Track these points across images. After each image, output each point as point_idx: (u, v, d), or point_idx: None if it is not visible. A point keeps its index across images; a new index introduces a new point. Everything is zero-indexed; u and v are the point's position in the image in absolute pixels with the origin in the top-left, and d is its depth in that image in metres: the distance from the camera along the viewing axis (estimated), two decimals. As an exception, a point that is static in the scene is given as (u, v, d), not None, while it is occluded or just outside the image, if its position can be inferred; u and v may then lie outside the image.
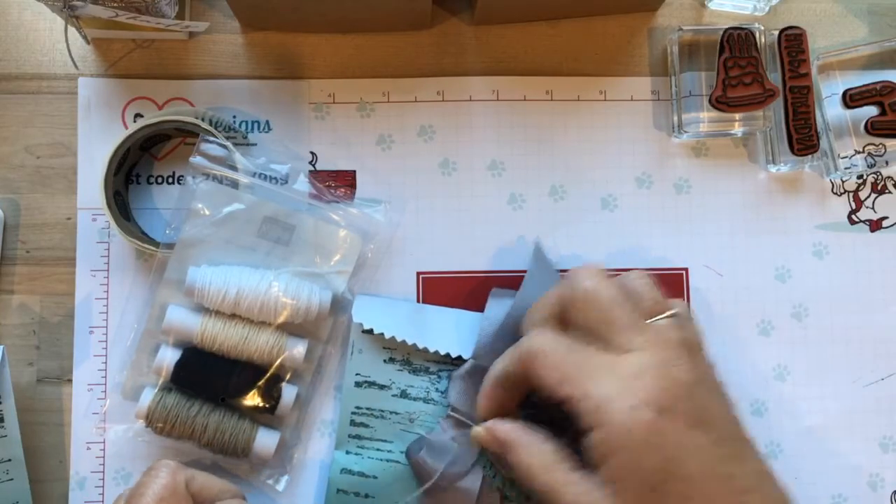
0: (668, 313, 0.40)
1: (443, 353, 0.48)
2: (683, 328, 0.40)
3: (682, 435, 0.36)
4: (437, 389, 0.48)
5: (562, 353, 0.39)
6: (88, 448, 0.49)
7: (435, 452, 0.46)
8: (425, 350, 0.48)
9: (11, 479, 0.47)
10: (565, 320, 0.41)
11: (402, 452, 0.47)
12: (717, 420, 0.37)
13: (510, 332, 0.46)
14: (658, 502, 0.35)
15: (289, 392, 0.47)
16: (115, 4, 0.45)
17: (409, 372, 0.48)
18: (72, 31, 0.48)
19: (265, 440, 0.47)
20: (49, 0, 0.44)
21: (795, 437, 0.50)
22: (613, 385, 0.37)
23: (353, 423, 0.48)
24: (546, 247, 0.50)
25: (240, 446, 0.46)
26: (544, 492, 0.38)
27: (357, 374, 0.48)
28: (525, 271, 0.48)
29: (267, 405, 0.47)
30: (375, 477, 0.47)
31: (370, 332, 0.48)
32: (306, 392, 0.49)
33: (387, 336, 0.47)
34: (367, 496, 0.47)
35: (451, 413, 0.47)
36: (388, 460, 0.48)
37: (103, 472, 0.49)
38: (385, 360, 0.48)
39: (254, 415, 0.48)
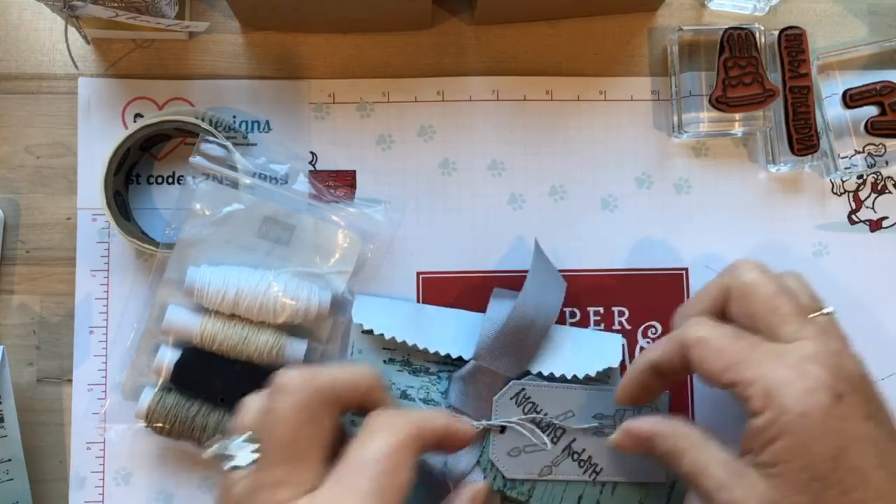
0: (826, 310, 0.40)
1: (443, 353, 0.47)
2: (840, 326, 0.40)
3: (858, 425, 0.35)
4: (437, 390, 0.48)
5: (726, 340, 0.38)
6: (88, 448, 0.49)
7: (437, 456, 0.46)
8: (425, 351, 0.47)
9: (11, 479, 0.47)
10: (725, 313, 0.41)
11: None
12: (886, 416, 0.37)
13: (512, 333, 0.46)
14: (819, 491, 0.34)
15: (289, 392, 0.47)
16: (115, 4, 0.45)
17: (409, 373, 0.48)
18: (72, 31, 0.48)
19: (265, 440, 0.47)
20: (49, 0, 0.44)
21: (795, 437, 0.50)
22: (785, 369, 0.36)
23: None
24: (546, 247, 0.50)
25: (239, 446, 0.46)
26: (691, 472, 0.38)
27: None
28: (526, 271, 0.48)
29: (267, 405, 0.47)
30: None
31: (370, 332, 0.48)
32: (306, 392, 0.49)
33: (387, 337, 0.47)
34: None
35: (452, 414, 0.47)
36: None
37: (103, 472, 0.49)
38: (385, 361, 0.48)
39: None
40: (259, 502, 0.33)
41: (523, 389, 0.46)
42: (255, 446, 0.35)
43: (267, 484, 0.33)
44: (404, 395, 0.48)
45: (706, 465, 0.38)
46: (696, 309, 0.42)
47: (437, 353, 0.47)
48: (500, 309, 0.47)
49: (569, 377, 0.47)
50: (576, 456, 0.47)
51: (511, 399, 0.46)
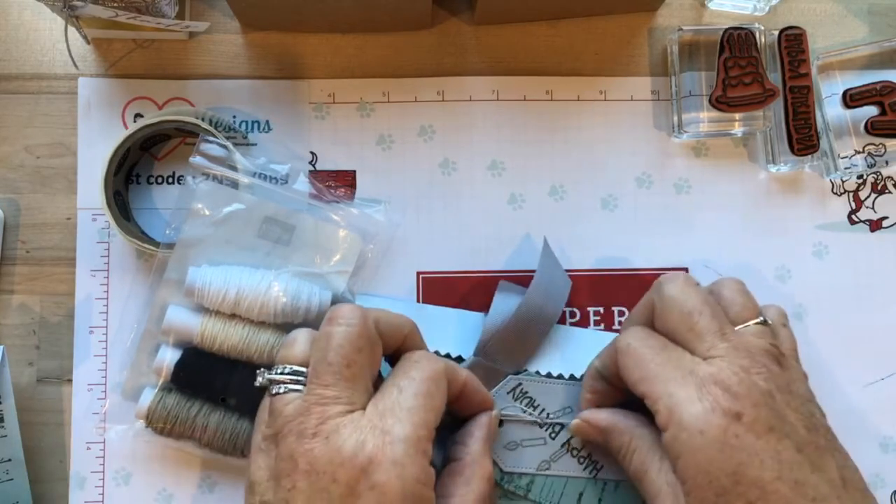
0: (755, 321, 0.40)
1: (443, 353, 0.48)
2: (772, 335, 0.40)
3: (757, 440, 0.36)
4: None
5: (647, 352, 0.40)
6: (88, 448, 0.49)
7: (436, 451, 0.46)
8: None
9: (11, 479, 0.47)
10: (654, 325, 0.42)
11: None
12: (796, 428, 0.37)
13: (518, 327, 0.46)
14: None
15: (289, 392, 0.47)
16: (115, 4, 0.45)
17: None
18: (72, 31, 0.48)
19: (265, 440, 0.47)
20: (49, 0, 0.44)
21: (795, 437, 0.51)
22: (689, 388, 0.37)
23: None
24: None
25: (240, 446, 0.46)
26: (637, 475, 0.40)
27: None
28: (527, 271, 0.48)
29: (267, 405, 0.47)
30: None
31: None
32: (306, 392, 0.49)
33: None
34: None
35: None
36: None
37: (103, 472, 0.49)
38: (386, 359, 0.48)
39: (254, 415, 0.48)
40: (313, 414, 0.36)
41: (520, 384, 0.46)
42: (305, 373, 0.38)
43: (321, 401, 0.36)
44: None
45: (650, 468, 0.39)
46: (635, 318, 0.44)
47: (437, 353, 0.48)
48: (505, 302, 0.47)
49: (566, 376, 0.47)
50: (575, 452, 0.47)
51: (508, 393, 0.46)
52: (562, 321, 0.50)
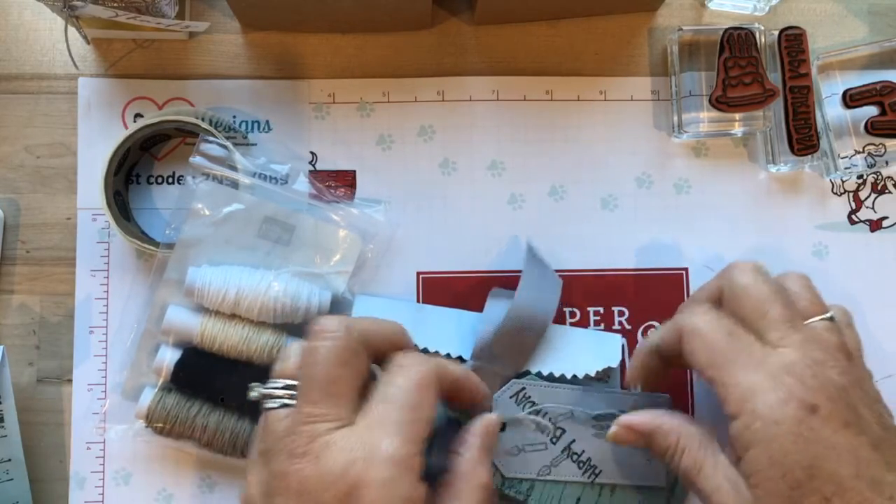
0: (824, 315, 0.39)
1: (443, 353, 0.47)
2: (841, 333, 0.39)
3: (834, 434, 0.35)
4: None
5: (718, 336, 0.38)
6: (88, 448, 0.49)
7: (438, 456, 0.46)
8: (425, 350, 0.47)
9: (11, 479, 0.47)
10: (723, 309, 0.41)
11: None
12: (871, 425, 0.36)
13: (510, 333, 0.46)
14: (799, 499, 0.34)
15: (289, 392, 0.47)
16: (115, 4, 0.45)
17: None
18: (72, 31, 0.48)
19: (265, 440, 0.47)
20: (49, 0, 0.44)
21: (795, 437, 0.50)
22: (763, 377, 0.36)
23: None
24: (546, 247, 0.50)
25: (240, 446, 0.46)
26: (690, 470, 0.38)
27: None
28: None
29: (267, 405, 0.47)
30: None
31: None
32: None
33: None
34: None
35: (451, 414, 0.47)
36: None
37: (103, 472, 0.49)
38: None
39: (254, 415, 0.48)
40: (303, 433, 0.35)
41: (523, 388, 0.46)
42: (296, 388, 0.37)
43: (309, 418, 0.36)
44: None
45: (704, 465, 0.38)
46: (700, 301, 0.43)
47: (436, 353, 0.47)
48: (496, 309, 0.47)
49: (568, 377, 0.47)
50: (575, 457, 0.47)
51: (511, 398, 0.46)
52: (561, 321, 0.50)
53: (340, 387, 0.37)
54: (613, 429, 0.43)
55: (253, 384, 0.39)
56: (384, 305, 0.49)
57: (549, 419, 0.46)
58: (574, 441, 0.47)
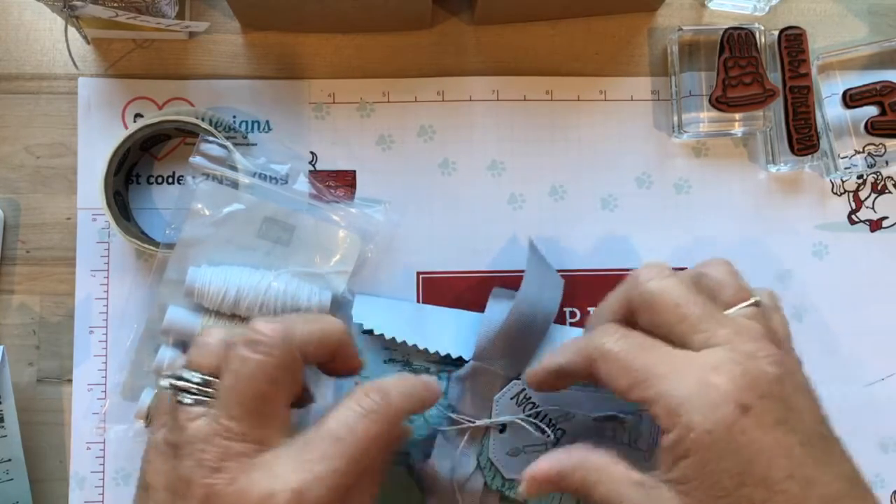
0: (749, 301, 0.37)
1: (443, 353, 0.47)
2: (769, 318, 0.37)
3: (766, 434, 0.33)
4: None
5: (633, 354, 0.36)
6: (88, 448, 0.49)
7: (440, 459, 0.46)
8: (425, 351, 0.47)
9: (11, 479, 0.47)
10: (633, 323, 0.38)
11: (401, 453, 0.48)
12: (804, 418, 0.34)
13: (511, 334, 0.46)
14: None
15: (289, 392, 0.47)
16: (115, 4, 0.45)
17: (410, 373, 0.48)
18: (72, 31, 0.48)
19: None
20: (49, 0, 0.44)
21: (795, 437, 0.51)
22: (691, 383, 0.34)
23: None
24: (546, 247, 0.50)
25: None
26: (607, 501, 0.36)
27: (358, 375, 0.48)
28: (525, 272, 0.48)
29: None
30: None
31: (370, 332, 0.48)
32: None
33: (387, 336, 0.47)
34: None
35: (451, 415, 0.47)
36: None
37: (103, 472, 0.49)
38: (385, 361, 0.48)
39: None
40: (218, 446, 0.33)
41: (524, 389, 0.46)
42: (214, 385, 0.34)
43: (228, 433, 0.33)
44: None
45: (619, 491, 0.36)
46: (606, 316, 0.40)
47: (437, 353, 0.47)
48: (497, 309, 0.47)
49: None
50: None
51: (511, 399, 0.46)
52: (562, 321, 0.50)
53: (267, 406, 0.34)
54: (523, 486, 0.39)
55: (165, 371, 0.36)
56: (384, 305, 0.49)
57: (550, 421, 0.46)
58: (574, 443, 0.47)
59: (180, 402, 0.34)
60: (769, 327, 0.37)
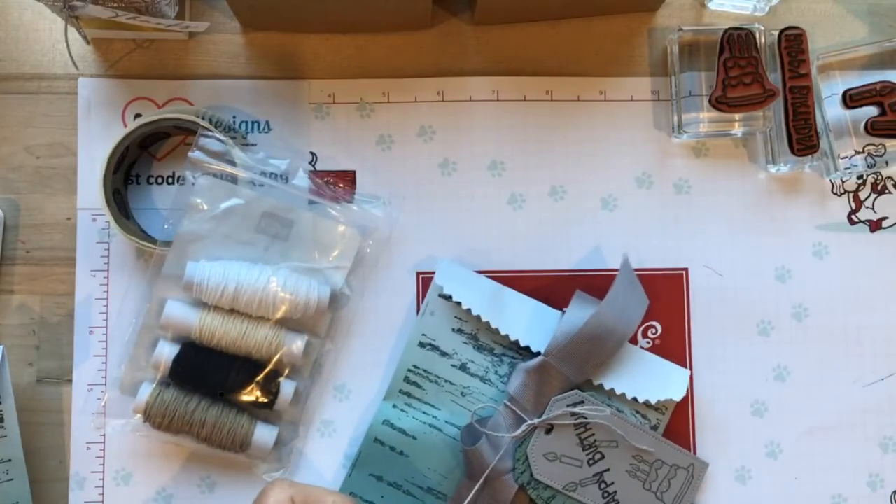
0: None
1: (513, 339, 0.48)
2: None
3: None
4: (496, 372, 0.49)
5: None
6: (88, 448, 0.49)
7: (490, 445, 0.46)
8: (496, 331, 0.48)
9: (11, 479, 0.47)
10: None
11: (447, 423, 0.48)
12: None
13: (587, 339, 0.46)
14: None
15: (287, 387, 0.47)
16: (115, 4, 0.45)
17: (474, 347, 0.49)
18: (72, 31, 0.48)
19: (263, 435, 0.47)
20: (49, 0, 0.44)
21: (795, 438, 0.50)
22: None
23: (407, 379, 0.48)
24: (546, 247, 0.50)
25: (238, 441, 0.46)
26: None
27: (423, 335, 0.49)
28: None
29: (265, 400, 0.47)
30: (415, 438, 0.48)
31: (447, 298, 0.48)
32: (304, 387, 0.49)
33: (464, 306, 0.48)
34: (401, 453, 0.48)
35: (508, 403, 0.47)
36: (431, 425, 0.48)
37: (103, 472, 0.49)
38: (453, 329, 0.48)
39: (252, 410, 0.48)
40: None
41: (582, 402, 0.47)
42: None
43: None
44: (464, 368, 0.48)
45: None
46: None
47: (507, 337, 0.48)
48: (579, 312, 0.47)
49: (629, 397, 0.48)
50: (603, 485, 0.47)
51: (568, 406, 0.46)
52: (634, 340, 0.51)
53: None
54: None
55: None
56: (466, 276, 0.49)
57: (595, 441, 0.47)
58: (608, 470, 0.47)
59: None
60: None
